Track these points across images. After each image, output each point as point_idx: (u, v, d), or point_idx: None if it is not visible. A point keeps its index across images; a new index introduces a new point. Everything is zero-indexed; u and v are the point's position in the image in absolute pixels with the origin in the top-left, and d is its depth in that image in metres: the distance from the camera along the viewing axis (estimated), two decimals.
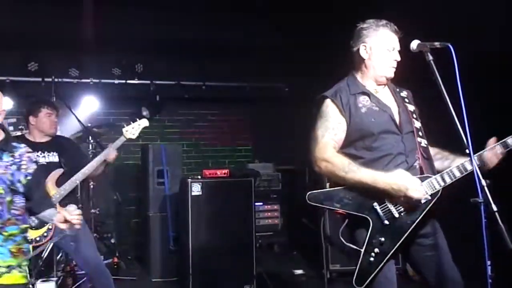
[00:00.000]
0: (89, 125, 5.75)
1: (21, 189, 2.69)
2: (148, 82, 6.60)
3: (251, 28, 6.34)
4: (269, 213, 6.09)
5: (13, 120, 6.49)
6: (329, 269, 5.21)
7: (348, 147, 2.53)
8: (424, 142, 2.55)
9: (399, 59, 2.58)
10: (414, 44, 2.44)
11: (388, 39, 2.57)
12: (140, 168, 6.41)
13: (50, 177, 3.78)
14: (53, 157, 3.91)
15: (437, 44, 2.36)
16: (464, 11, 4.00)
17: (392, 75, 2.59)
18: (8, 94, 6.10)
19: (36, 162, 2.84)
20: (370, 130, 2.48)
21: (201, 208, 4.85)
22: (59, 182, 3.81)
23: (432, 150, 2.64)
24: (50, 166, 3.84)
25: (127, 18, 6.06)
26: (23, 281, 2.70)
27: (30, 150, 2.85)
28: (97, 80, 6.42)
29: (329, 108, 2.54)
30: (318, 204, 2.52)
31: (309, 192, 2.53)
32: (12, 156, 2.72)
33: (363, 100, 2.54)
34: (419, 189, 2.37)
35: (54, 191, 3.76)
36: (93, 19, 5.63)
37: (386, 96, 2.63)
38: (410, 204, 2.40)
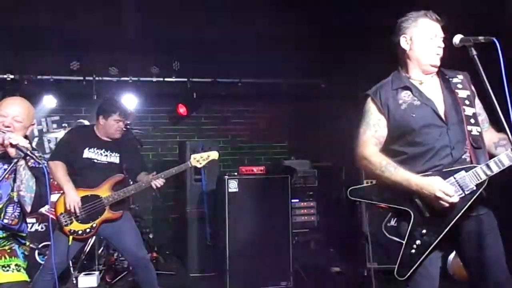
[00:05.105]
0: (128, 122, 5.84)
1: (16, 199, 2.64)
2: (185, 79, 6.68)
3: (288, 25, 6.31)
4: (305, 210, 6.06)
5: (57, 118, 6.70)
6: (367, 267, 5.17)
7: (392, 143, 2.53)
8: (476, 130, 2.43)
9: (442, 45, 2.51)
10: (457, 39, 2.38)
11: (428, 27, 2.51)
12: (178, 164, 6.47)
13: (109, 180, 3.88)
14: (115, 158, 3.97)
15: (481, 38, 2.29)
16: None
17: (437, 62, 2.52)
18: (51, 92, 6.32)
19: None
20: (411, 125, 2.44)
21: (237, 204, 4.88)
22: (115, 186, 3.90)
23: (497, 136, 2.53)
24: (111, 166, 3.93)
25: (165, 17, 6.14)
26: (23, 278, 2.68)
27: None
28: (136, 78, 6.55)
29: (370, 105, 2.58)
30: (360, 199, 2.59)
31: (350, 188, 2.59)
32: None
33: (404, 96, 2.51)
34: (451, 194, 2.29)
35: (108, 193, 3.83)
36: (132, 19, 5.73)
37: (431, 87, 2.55)
38: (442, 208, 2.33)
